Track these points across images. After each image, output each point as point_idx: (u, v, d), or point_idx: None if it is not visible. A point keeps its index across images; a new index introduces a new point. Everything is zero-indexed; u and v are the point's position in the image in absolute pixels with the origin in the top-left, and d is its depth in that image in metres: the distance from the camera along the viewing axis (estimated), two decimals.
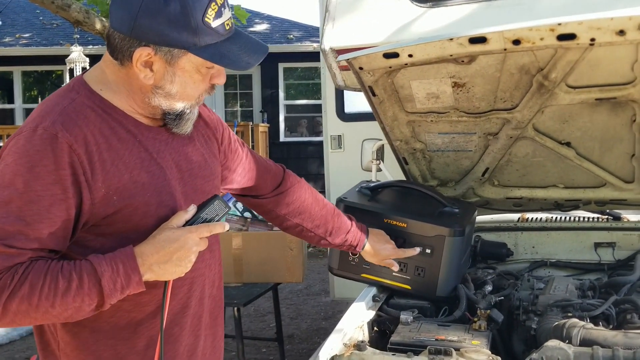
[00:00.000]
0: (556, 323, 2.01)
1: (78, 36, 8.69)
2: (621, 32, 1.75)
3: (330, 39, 3.06)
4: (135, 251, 1.38)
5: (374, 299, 2.32)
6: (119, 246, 1.39)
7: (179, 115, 1.49)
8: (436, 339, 1.98)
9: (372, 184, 2.55)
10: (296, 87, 15.27)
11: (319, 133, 14.23)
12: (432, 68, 2.12)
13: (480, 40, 1.89)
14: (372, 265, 2.30)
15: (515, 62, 2.07)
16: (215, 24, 1.40)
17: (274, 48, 13.97)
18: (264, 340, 5.30)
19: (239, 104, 14.61)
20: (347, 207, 2.34)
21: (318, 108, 14.80)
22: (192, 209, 1.45)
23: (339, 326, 2.07)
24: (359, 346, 1.90)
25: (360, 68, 2.12)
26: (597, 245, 2.70)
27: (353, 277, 2.41)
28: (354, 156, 4.82)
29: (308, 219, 1.99)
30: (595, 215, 2.90)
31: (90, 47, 11.02)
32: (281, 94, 14.42)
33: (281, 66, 14.60)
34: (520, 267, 2.75)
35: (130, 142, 1.45)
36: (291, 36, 14.70)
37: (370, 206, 2.37)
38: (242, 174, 1.86)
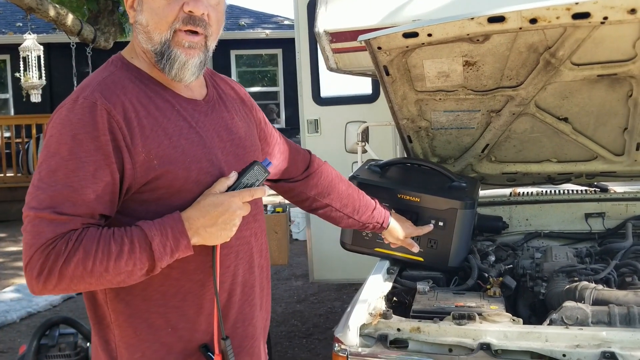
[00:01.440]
0: (568, 286, 2.13)
1: (34, 26, 8.41)
2: (632, 11, 1.87)
3: (324, 22, 3.10)
4: (182, 216, 1.42)
5: (388, 271, 2.39)
6: (164, 212, 1.43)
7: (163, 55, 1.49)
8: (456, 306, 2.07)
9: (381, 162, 2.62)
10: (249, 74, 15.18)
11: (272, 121, 14.21)
12: (446, 47, 2.20)
13: (498, 19, 1.98)
14: (384, 239, 2.36)
15: (525, 40, 2.17)
16: None
17: (225, 35, 13.70)
18: None
19: None
20: (360, 184, 2.39)
21: (273, 95, 14.81)
22: (233, 175, 1.50)
23: (361, 297, 2.12)
24: (385, 315, 1.97)
25: (379, 48, 2.18)
26: (588, 215, 2.82)
27: (367, 252, 2.47)
28: (331, 139, 4.90)
29: (336, 198, 2.03)
30: (584, 188, 3.03)
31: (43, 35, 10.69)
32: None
33: (233, 53, 14.51)
34: (516, 238, 2.86)
35: (168, 111, 1.49)
36: (242, 23, 14.60)
37: (382, 182, 2.44)
38: (277, 154, 1.90)
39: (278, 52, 14.48)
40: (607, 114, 2.50)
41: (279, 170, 1.92)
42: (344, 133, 3.94)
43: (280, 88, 14.64)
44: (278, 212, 4.28)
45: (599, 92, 2.39)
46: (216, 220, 1.44)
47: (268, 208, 4.35)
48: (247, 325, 1.65)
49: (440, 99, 2.47)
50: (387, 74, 2.33)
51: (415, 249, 2.29)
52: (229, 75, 14.09)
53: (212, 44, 1.56)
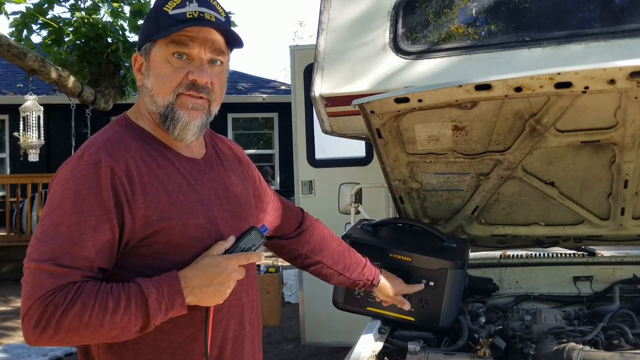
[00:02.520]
0: (556, 347, 2.15)
1: (34, 87, 8.59)
2: (612, 81, 1.98)
3: (320, 87, 3.22)
4: (179, 275, 1.47)
5: (379, 331, 2.42)
6: (160, 266, 1.48)
7: (167, 117, 1.55)
8: None
9: (373, 222, 2.67)
10: (245, 137, 15.39)
11: (268, 182, 14.24)
12: (436, 112, 2.30)
13: (485, 87, 2.09)
14: (376, 298, 2.38)
15: (512, 107, 2.27)
16: (173, 12, 1.53)
17: (224, 99, 14.08)
18: None
19: None
20: (352, 242, 2.43)
21: (268, 158, 14.98)
22: (231, 239, 1.57)
23: (353, 356, 2.16)
24: None
25: (372, 112, 2.28)
26: (576, 279, 2.87)
27: (358, 311, 2.49)
28: (325, 200, 4.98)
29: (328, 255, 2.08)
30: (572, 252, 3.09)
31: (44, 96, 10.88)
32: None
33: (230, 116, 14.74)
34: (506, 301, 2.89)
35: (169, 169, 1.56)
36: (240, 87, 14.90)
37: (374, 241, 2.49)
38: (272, 213, 1.96)
39: (274, 115, 14.75)
40: (592, 179, 2.58)
41: (272, 227, 1.96)
42: (338, 194, 4.02)
43: (275, 151, 14.83)
44: (271, 272, 4.29)
45: (584, 157, 2.48)
46: (212, 281, 1.48)
47: (261, 268, 4.36)
48: None
49: (430, 161, 2.56)
50: (380, 136, 2.42)
51: (407, 306, 2.32)
52: (226, 136, 14.32)
53: (215, 109, 1.63)
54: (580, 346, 2.11)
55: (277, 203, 1.99)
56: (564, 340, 2.22)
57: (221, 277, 1.49)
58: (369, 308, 2.46)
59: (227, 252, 1.54)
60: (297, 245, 2.03)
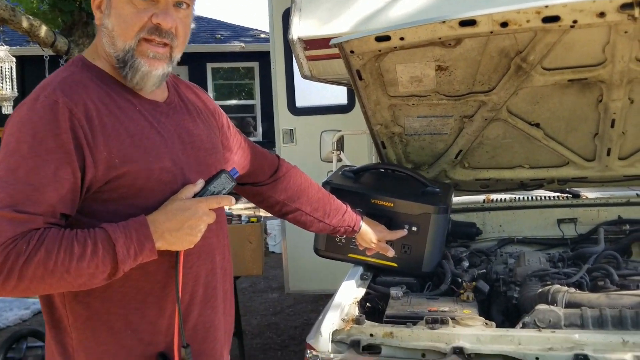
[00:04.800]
0: (541, 290, 2.12)
1: (7, 38, 8.31)
2: (601, 14, 1.89)
3: (298, 30, 3.09)
4: (147, 219, 1.40)
5: (362, 277, 2.37)
6: (124, 212, 1.41)
7: (126, 63, 1.47)
8: (429, 310, 2.05)
9: (355, 167, 2.60)
10: (225, 87, 15.15)
11: (249, 134, 14.18)
12: (418, 51, 2.20)
13: (470, 23, 1.99)
14: (359, 245, 2.34)
15: (497, 45, 2.18)
16: None
17: (201, 47, 13.81)
18: None
19: None
20: (333, 189, 2.37)
21: (249, 108, 14.78)
22: (200, 183, 1.50)
23: (334, 303, 2.09)
24: (358, 320, 1.95)
25: (352, 52, 2.17)
26: (560, 221, 2.83)
27: (340, 258, 2.45)
28: (306, 149, 4.89)
29: (306, 202, 2.02)
30: (557, 194, 3.04)
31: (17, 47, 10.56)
32: (210, 95, 14.20)
33: (209, 66, 14.46)
34: (489, 245, 2.86)
35: (129, 110, 1.48)
36: (219, 36, 14.57)
37: (356, 187, 2.43)
38: (242, 157, 1.89)
39: (255, 65, 14.47)
40: (578, 119, 2.51)
41: (245, 174, 1.90)
42: (319, 142, 3.94)
43: (257, 101, 14.62)
44: (253, 222, 4.22)
45: (570, 97, 2.41)
46: (182, 224, 1.42)
47: (242, 218, 4.30)
48: (209, 328, 1.62)
49: (413, 104, 2.47)
50: (360, 78, 2.33)
51: (390, 253, 2.27)
52: (205, 88, 14.06)
53: (177, 56, 1.55)
54: (565, 288, 2.09)
55: (249, 149, 1.91)
56: (548, 283, 2.20)
57: (192, 220, 1.43)
58: (351, 255, 2.42)
59: (196, 195, 1.48)
60: (273, 192, 1.97)
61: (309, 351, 1.93)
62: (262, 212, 6.82)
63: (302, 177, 2.05)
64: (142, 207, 1.44)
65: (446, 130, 2.61)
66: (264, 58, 13.39)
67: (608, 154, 2.63)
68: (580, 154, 2.69)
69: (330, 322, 1.94)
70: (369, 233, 2.19)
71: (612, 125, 2.48)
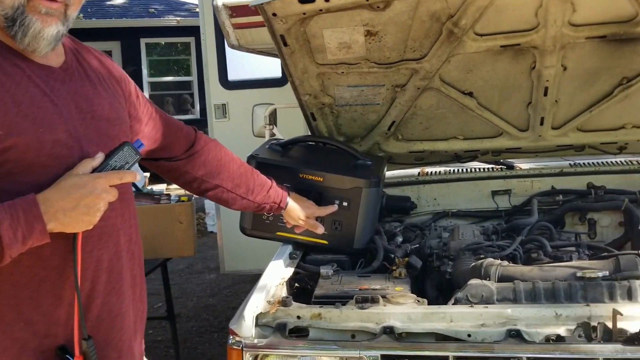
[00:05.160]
0: (473, 264, 2.07)
1: None
2: None
3: None
4: (38, 198, 1.27)
5: (290, 256, 2.27)
6: (14, 190, 1.27)
7: (15, 21, 1.33)
8: (360, 289, 1.97)
9: (283, 140, 2.47)
10: (161, 64, 14.68)
11: (187, 111, 13.81)
12: (345, 15, 2.07)
13: None
14: (286, 223, 2.23)
15: (427, 8, 2.07)
16: None
17: (134, 22, 13.31)
18: (153, 319, 5.01)
19: None
20: (259, 164, 2.26)
21: (186, 85, 14.37)
22: (99, 156, 1.36)
23: (260, 284, 1.99)
24: (284, 302, 1.85)
25: (274, 14, 2.02)
26: (494, 193, 2.81)
27: (268, 236, 2.35)
28: (240, 124, 4.72)
29: (227, 178, 1.88)
30: (491, 166, 3.01)
31: None
32: (144, 71, 13.76)
33: (143, 41, 13.94)
34: (424, 218, 2.81)
35: (17, 76, 1.34)
36: (152, 10, 14.06)
37: (283, 161, 2.31)
38: (153, 129, 1.72)
39: (191, 40, 14.01)
40: (511, 87, 2.45)
41: (157, 148, 1.75)
42: (252, 116, 3.79)
43: (194, 77, 14.19)
44: (183, 201, 4.03)
45: (503, 64, 2.33)
46: (78, 203, 1.29)
47: (172, 197, 4.11)
48: (115, 317, 1.49)
49: (342, 72, 2.35)
50: (285, 44, 2.18)
51: (319, 230, 2.16)
52: (140, 64, 13.57)
53: (73, 14, 1.41)
54: (498, 261, 2.05)
55: (161, 121, 1.75)
56: (482, 256, 2.16)
57: (88, 198, 1.30)
58: (279, 233, 2.32)
59: (95, 171, 1.34)
60: (190, 168, 1.82)
61: (231, 337, 1.82)
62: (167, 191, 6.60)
63: (222, 151, 1.90)
64: (33, 185, 1.29)
65: (378, 101, 2.51)
66: (200, 33, 13.02)
67: (541, 124, 2.58)
68: (513, 123, 2.63)
69: (254, 305, 1.84)
70: (296, 210, 2.07)
71: (545, 94, 2.42)
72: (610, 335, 1.58)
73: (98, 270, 1.43)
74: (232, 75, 4.93)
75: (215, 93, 4.95)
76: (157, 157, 1.78)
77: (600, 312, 1.64)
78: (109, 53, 11.73)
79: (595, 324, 1.59)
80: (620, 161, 2.91)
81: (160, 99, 13.79)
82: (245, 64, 4.83)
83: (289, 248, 2.31)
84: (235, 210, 2.04)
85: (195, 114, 13.87)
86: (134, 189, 4.05)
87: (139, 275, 1.61)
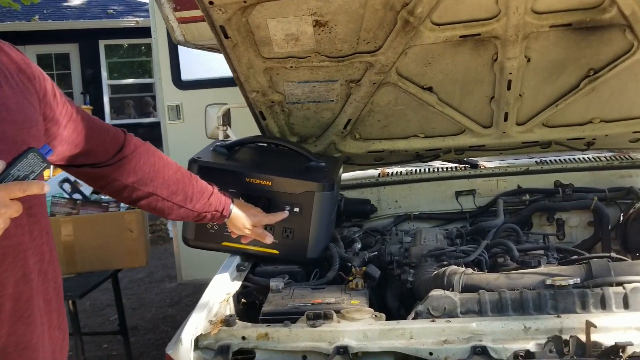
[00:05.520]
0: (435, 272, 1.93)
1: None
2: None
3: None
4: None
5: (238, 268, 2.09)
6: None
7: None
8: (312, 304, 1.82)
9: (228, 142, 2.28)
10: (121, 66, 14.33)
11: (148, 114, 13.48)
12: (291, 4, 1.89)
13: None
14: (231, 232, 2.06)
15: None
16: None
17: (92, 24, 12.95)
18: (105, 334, 4.82)
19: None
20: (201, 167, 2.09)
21: (147, 87, 14.02)
22: None
23: (201, 302, 1.81)
24: (227, 321, 1.69)
25: (211, 3, 1.83)
26: (458, 194, 2.70)
27: (213, 247, 2.18)
28: (194, 126, 4.48)
29: (162, 185, 1.68)
30: (454, 165, 2.92)
31: None
32: (104, 74, 13.42)
33: (102, 43, 13.58)
34: (385, 222, 2.69)
35: None
36: (111, 11, 13.70)
37: (228, 165, 2.13)
38: (74, 131, 1.51)
39: (151, 41, 13.71)
40: (472, 81, 2.31)
41: (80, 153, 1.54)
42: (204, 117, 3.60)
43: (155, 79, 13.87)
44: (133, 208, 3.80)
45: (463, 56, 2.19)
46: None
47: (121, 205, 3.87)
48: (24, 349, 1.28)
49: (292, 67, 2.17)
50: (226, 36, 2.00)
51: (268, 239, 1.97)
52: (99, 66, 13.21)
53: None
54: (462, 269, 1.92)
55: (84, 122, 1.54)
56: (445, 263, 2.04)
57: None
58: (225, 243, 2.14)
59: None
60: (119, 175, 1.62)
61: None
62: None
63: (155, 155, 1.70)
64: None
65: (332, 97, 2.34)
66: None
67: (505, 119, 2.46)
68: (476, 120, 2.50)
69: (193, 326, 1.66)
70: (241, 218, 1.87)
71: (509, 87, 2.30)
72: (584, 349, 1.45)
73: (1, 297, 1.23)
74: (186, 74, 4.71)
75: (169, 94, 4.72)
76: (80, 163, 1.57)
77: (572, 323, 1.52)
78: (66, 56, 11.39)
79: (567, 338, 1.47)
80: (588, 157, 2.84)
81: (120, 101, 13.48)
82: (200, 63, 4.61)
83: (237, 259, 2.13)
84: (173, 220, 1.84)
85: (157, 117, 13.51)
86: (80, 197, 3.89)
87: (56, 299, 1.40)
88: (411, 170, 2.91)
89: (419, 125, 2.53)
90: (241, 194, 2.00)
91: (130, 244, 3.76)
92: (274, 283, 1.95)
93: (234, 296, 1.94)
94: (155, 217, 4.58)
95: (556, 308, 1.62)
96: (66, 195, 3.84)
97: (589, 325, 1.45)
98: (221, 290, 1.89)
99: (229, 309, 1.88)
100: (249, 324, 1.69)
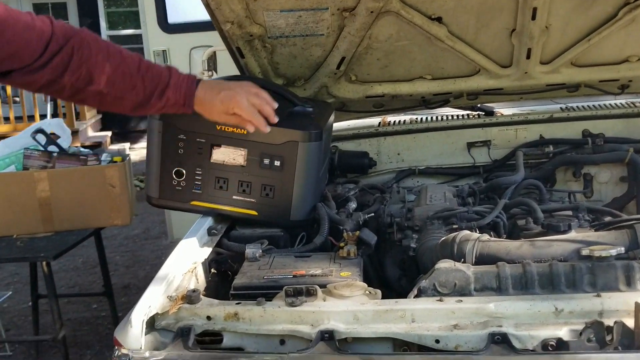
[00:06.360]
0: (443, 238, 1.69)
1: None
2: None
3: None
4: None
5: (209, 232, 1.83)
6: None
7: None
8: (294, 275, 1.59)
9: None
10: (120, 16, 13.98)
11: None
12: None
13: None
14: (204, 190, 1.84)
15: None
16: None
17: None
18: (89, 296, 4.66)
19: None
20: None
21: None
22: None
23: (160, 273, 1.56)
24: (189, 297, 1.44)
25: None
26: (471, 145, 2.49)
27: (180, 207, 1.92)
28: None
29: (105, 82, 1.47)
30: (466, 112, 2.69)
31: None
32: (103, 24, 13.10)
33: None
34: (385, 178, 2.50)
35: None
36: None
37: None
38: None
39: None
40: (490, 10, 2.04)
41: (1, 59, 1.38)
42: (189, 61, 3.39)
43: (141, 23, 13.55)
44: (115, 161, 3.53)
45: None
46: None
47: (102, 158, 3.59)
48: None
49: None
50: None
51: (251, 127, 1.55)
52: (97, 17, 12.86)
53: None
54: (476, 235, 1.67)
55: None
56: (455, 226, 1.80)
57: None
58: (194, 202, 1.88)
59: None
60: (53, 75, 1.43)
61: (116, 349, 1.38)
62: (128, 149, 6.06)
63: (92, 46, 1.46)
64: None
65: (322, 30, 2.04)
66: None
67: (528, 57, 2.23)
68: (493, 58, 2.25)
69: (147, 304, 1.42)
70: (208, 94, 1.52)
71: (533, 17, 2.04)
72: (632, 338, 1.21)
73: None
74: (172, 17, 4.40)
75: (155, 38, 4.43)
76: (4, 69, 1.40)
77: (615, 305, 1.29)
78: (63, 5, 11.02)
79: (611, 323, 1.24)
80: (622, 103, 2.59)
81: None
82: (187, 5, 4.31)
83: (208, 221, 1.86)
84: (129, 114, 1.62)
85: None
86: (57, 150, 3.61)
87: None
88: (416, 118, 2.69)
89: (426, 65, 2.29)
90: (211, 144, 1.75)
91: (112, 200, 3.50)
92: (249, 250, 1.70)
93: (203, 264, 1.68)
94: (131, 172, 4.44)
95: (595, 285, 1.37)
96: (40, 148, 3.57)
97: (639, 307, 1.20)
98: (187, 259, 1.63)
99: (197, 281, 1.63)
100: (216, 301, 1.44)
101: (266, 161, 1.78)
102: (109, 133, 10.13)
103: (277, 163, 1.78)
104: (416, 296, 1.42)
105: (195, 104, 1.51)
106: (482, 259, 1.55)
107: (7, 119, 9.01)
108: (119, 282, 4.87)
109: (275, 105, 1.55)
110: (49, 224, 3.46)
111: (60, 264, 5.40)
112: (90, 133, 9.77)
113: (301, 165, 1.79)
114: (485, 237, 1.63)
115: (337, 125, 2.50)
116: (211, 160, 1.80)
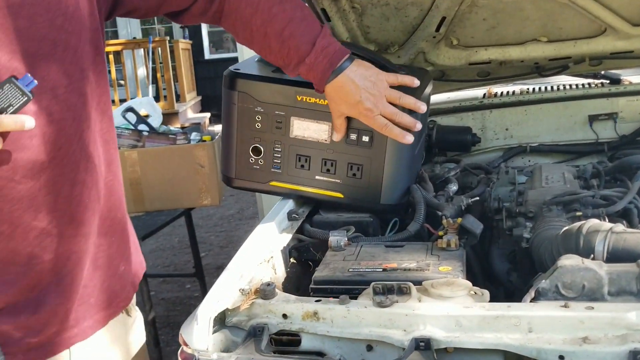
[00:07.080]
0: (565, 228, 1.44)
1: None
2: None
3: None
4: None
5: (290, 216, 1.68)
6: None
7: None
8: (384, 269, 1.40)
9: None
10: None
11: (227, 49, 13.35)
12: None
13: None
14: (284, 169, 1.68)
15: None
16: None
17: None
18: (182, 276, 4.82)
19: (155, 19, 13.48)
20: (240, 81, 1.67)
21: None
22: None
23: (232, 263, 1.40)
24: (264, 292, 1.28)
25: None
26: (593, 118, 2.27)
27: (258, 188, 1.78)
28: None
29: (247, 39, 1.47)
30: (588, 81, 2.49)
31: None
32: None
33: None
34: (491, 157, 2.30)
35: None
36: None
37: (275, 78, 1.68)
38: None
39: None
40: None
41: (154, 6, 1.35)
42: None
43: None
44: (205, 140, 3.52)
45: None
46: None
47: (192, 137, 3.56)
48: None
49: None
50: None
51: (336, 135, 1.58)
52: None
53: None
54: (608, 224, 1.40)
55: None
56: (579, 214, 1.57)
57: None
58: (273, 183, 1.72)
59: None
60: (210, 20, 1.46)
61: (183, 347, 1.24)
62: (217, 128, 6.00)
63: None
64: None
65: None
66: None
67: None
68: (623, 14, 1.95)
69: (215, 298, 1.26)
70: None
71: None
72: None
73: None
74: None
75: None
76: (165, 12, 1.40)
77: None
78: None
79: None
80: None
81: (219, 35, 13.35)
82: None
83: (289, 204, 1.70)
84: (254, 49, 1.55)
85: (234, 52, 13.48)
86: (147, 129, 3.62)
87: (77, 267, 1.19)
88: (527, 88, 2.49)
89: (541, 25, 2.03)
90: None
91: (202, 180, 3.52)
92: (334, 237, 1.52)
93: (283, 252, 1.53)
94: None
95: None
96: (131, 126, 3.59)
97: None
98: (263, 247, 1.47)
99: (274, 272, 1.47)
100: (293, 297, 1.27)
101: (353, 136, 1.58)
102: (208, 114, 10.36)
103: (365, 139, 1.59)
104: (533, 299, 1.19)
105: (327, 90, 1.47)
106: (616, 255, 1.30)
107: (113, 102, 9.43)
108: (212, 262, 4.95)
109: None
110: (140, 203, 3.51)
111: (158, 242, 5.59)
112: (190, 114, 10.04)
113: (393, 142, 1.58)
114: (620, 227, 1.36)
115: (435, 98, 2.33)
116: (291, 136, 1.63)
